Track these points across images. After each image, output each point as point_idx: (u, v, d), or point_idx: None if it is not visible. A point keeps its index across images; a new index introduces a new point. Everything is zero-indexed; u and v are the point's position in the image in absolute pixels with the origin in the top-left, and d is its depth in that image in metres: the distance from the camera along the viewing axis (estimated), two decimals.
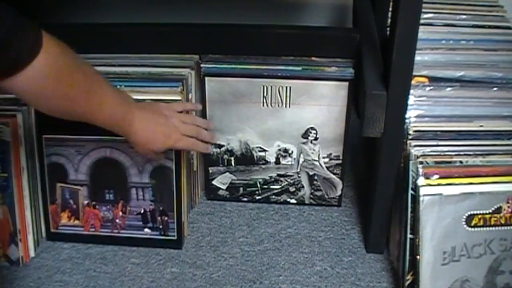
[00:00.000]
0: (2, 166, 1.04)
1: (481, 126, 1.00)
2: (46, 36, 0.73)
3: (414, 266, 0.95)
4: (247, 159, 1.18)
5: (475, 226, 0.93)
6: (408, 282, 0.97)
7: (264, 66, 1.10)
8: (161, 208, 1.09)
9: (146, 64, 1.12)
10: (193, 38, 1.14)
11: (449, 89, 1.05)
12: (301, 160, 1.16)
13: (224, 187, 1.21)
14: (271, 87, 1.10)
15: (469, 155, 0.96)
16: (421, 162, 0.94)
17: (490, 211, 0.93)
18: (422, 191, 0.92)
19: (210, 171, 1.20)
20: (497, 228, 0.93)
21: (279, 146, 1.15)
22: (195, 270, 1.07)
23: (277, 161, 1.17)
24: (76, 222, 1.12)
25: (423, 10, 0.88)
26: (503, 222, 0.93)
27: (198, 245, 1.12)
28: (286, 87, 1.10)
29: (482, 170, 0.94)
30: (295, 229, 1.15)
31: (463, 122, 1.01)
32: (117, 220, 1.11)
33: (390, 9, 1.06)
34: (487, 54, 1.12)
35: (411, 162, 0.95)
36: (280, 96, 1.11)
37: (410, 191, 0.95)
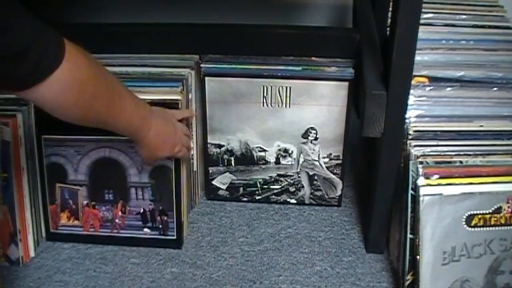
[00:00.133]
0: (2, 166, 1.04)
1: (481, 126, 1.00)
2: (69, 45, 0.70)
3: (414, 266, 0.95)
4: (247, 159, 1.17)
5: (475, 226, 0.93)
6: (408, 282, 0.97)
7: (264, 66, 1.10)
8: (160, 208, 1.09)
9: (146, 64, 1.12)
10: (193, 38, 1.14)
11: (449, 89, 1.05)
12: (301, 160, 1.16)
13: (224, 187, 1.21)
14: (271, 87, 1.10)
15: (469, 155, 0.96)
16: (421, 162, 0.94)
17: (490, 211, 0.93)
18: (422, 191, 0.92)
19: (210, 171, 1.19)
20: (497, 228, 0.93)
21: (279, 146, 1.15)
22: (195, 270, 1.07)
23: (277, 161, 1.17)
24: (76, 222, 1.12)
25: (423, 10, 0.88)
26: (503, 222, 0.93)
27: (198, 245, 1.12)
28: (286, 87, 1.10)
29: (482, 170, 0.94)
30: (295, 229, 1.15)
31: (463, 122, 1.01)
32: (117, 220, 1.11)
33: (390, 9, 1.06)
34: (487, 54, 1.12)
35: (411, 162, 0.95)
36: (280, 96, 1.11)
37: (410, 191, 0.95)
